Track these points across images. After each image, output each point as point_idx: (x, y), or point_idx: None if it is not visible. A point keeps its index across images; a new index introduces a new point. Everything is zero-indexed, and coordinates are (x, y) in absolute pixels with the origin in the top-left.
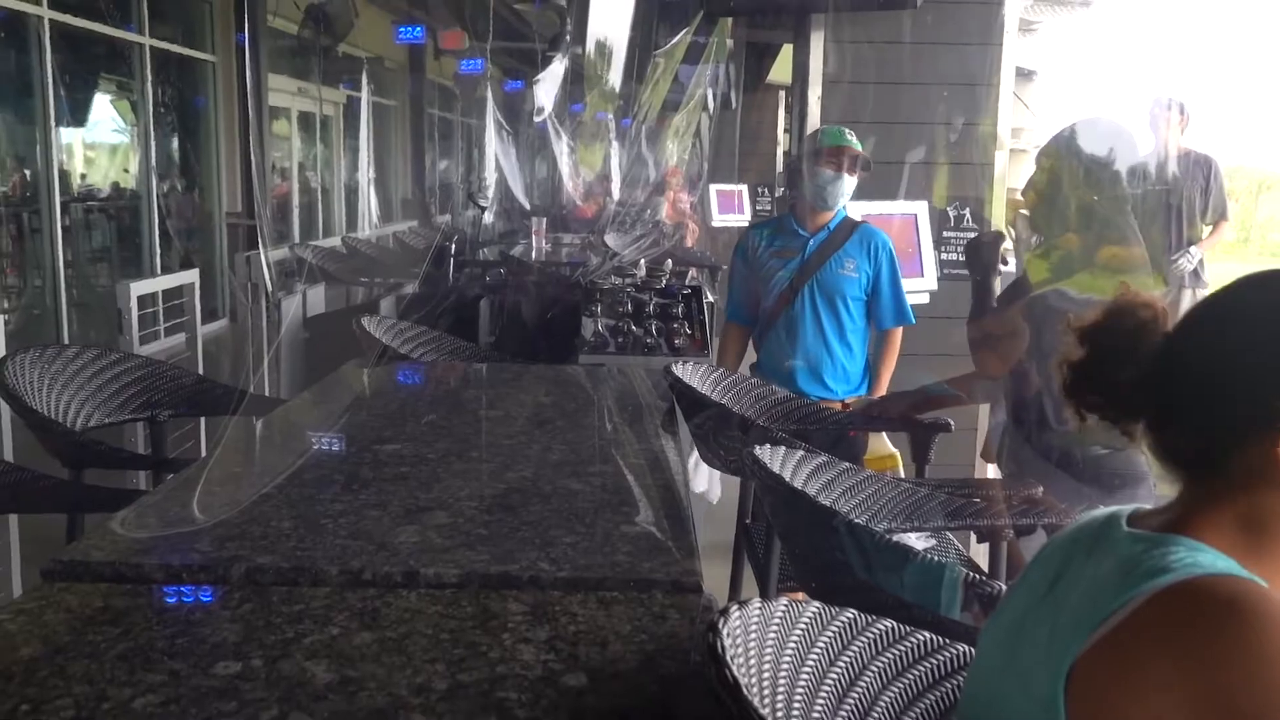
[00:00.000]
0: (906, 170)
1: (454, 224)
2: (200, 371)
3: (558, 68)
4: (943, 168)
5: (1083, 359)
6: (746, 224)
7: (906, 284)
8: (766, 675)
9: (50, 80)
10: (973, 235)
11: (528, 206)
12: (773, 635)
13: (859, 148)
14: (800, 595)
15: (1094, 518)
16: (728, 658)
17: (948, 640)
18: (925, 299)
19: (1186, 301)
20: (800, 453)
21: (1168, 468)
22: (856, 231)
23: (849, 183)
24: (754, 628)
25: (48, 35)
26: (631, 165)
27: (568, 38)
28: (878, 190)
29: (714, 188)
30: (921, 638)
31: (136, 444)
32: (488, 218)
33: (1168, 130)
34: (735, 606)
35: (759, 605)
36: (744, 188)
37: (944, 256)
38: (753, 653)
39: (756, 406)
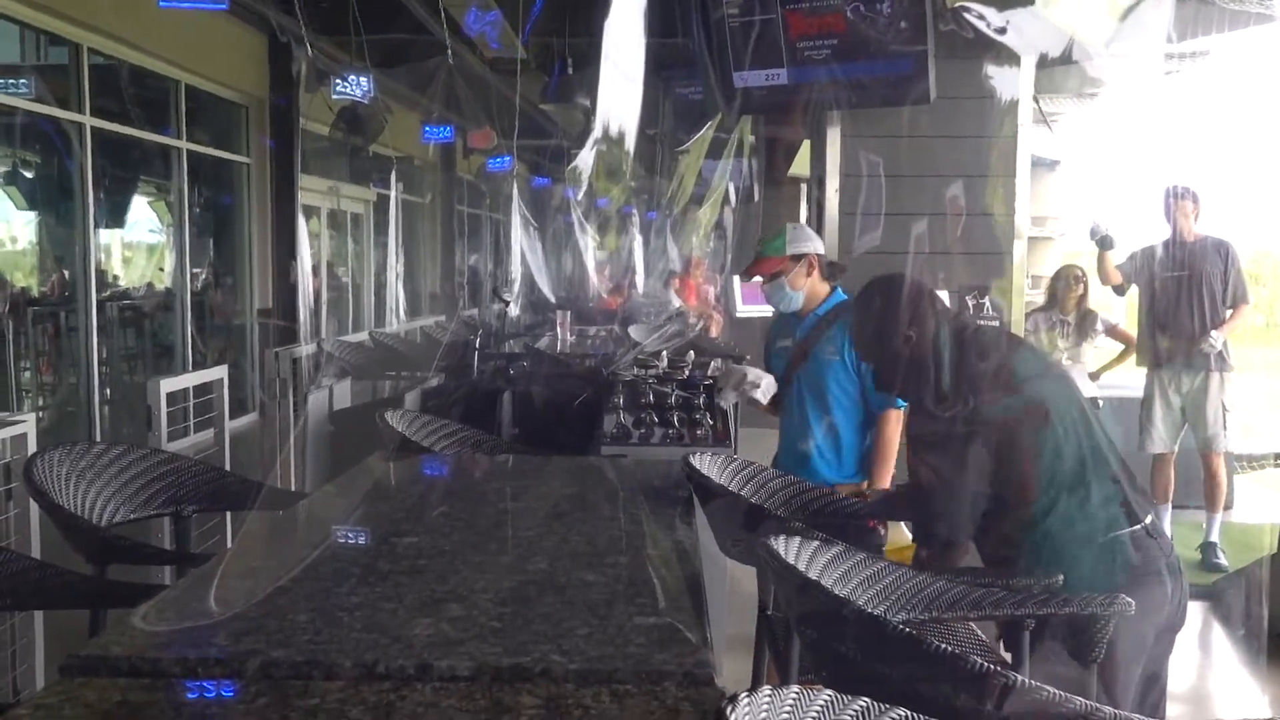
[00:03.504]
0: (921, 261)
1: (481, 317)
2: (227, 466)
3: (583, 164)
4: (959, 257)
5: None
6: (770, 314)
7: None
8: None
9: (90, 184)
10: (994, 325)
11: (553, 299)
12: None
13: (781, 254)
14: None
15: None
16: None
17: None
18: None
19: (1214, 385)
20: (816, 542)
21: None
22: (844, 313)
23: (781, 286)
24: (763, 716)
25: (89, 141)
26: (656, 257)
27: (593, 135)
28: None
29: (738, 279)
30: None
31: (163, 539)
32: (513, 310)
33: (1182, 218)
34: (745, 694)
35: (769, 693)
36: None
37: None
38: None
39: (774, 497)
